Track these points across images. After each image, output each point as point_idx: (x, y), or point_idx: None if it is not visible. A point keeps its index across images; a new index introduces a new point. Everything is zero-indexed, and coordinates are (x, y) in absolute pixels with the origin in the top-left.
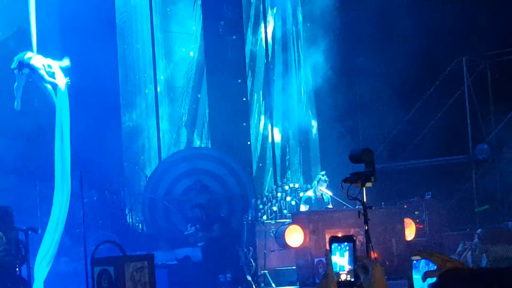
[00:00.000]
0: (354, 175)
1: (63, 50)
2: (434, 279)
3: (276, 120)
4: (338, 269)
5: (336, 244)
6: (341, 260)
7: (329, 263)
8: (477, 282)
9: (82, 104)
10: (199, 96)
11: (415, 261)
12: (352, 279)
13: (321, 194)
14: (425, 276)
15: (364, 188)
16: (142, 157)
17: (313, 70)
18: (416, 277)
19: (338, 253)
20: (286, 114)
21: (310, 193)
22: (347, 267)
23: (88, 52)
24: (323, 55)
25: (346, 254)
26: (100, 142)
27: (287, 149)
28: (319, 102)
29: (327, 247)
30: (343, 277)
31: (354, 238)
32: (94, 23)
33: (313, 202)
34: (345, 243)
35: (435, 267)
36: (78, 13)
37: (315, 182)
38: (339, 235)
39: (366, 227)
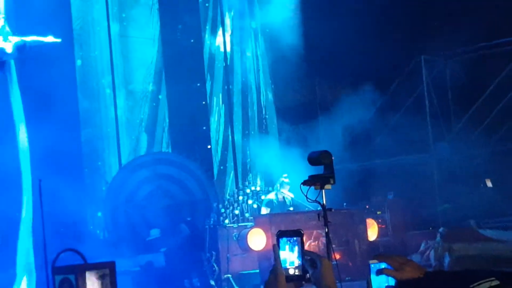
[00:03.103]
0: (313, 178)
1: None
2: (391, 279)
3: (236, 123)
4: (288, 264)
5: (286, 239)
6: (291, 255)
7: (277, 258)
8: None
9: (40, 110)
10: (160, 97)
11: (373, 265)
12: (301, 274)
13: (283, 197)
14: (380, 272)
15: (323, 190)
16: (99, 163)
17: (273, 71)
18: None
19: (287, 248)
20: (246, 116)
21: (272, 195)
22: (297, 262)
23: (44, 57)
24: (282, 56)
25: (296, 248)
26: (59, 148)
27: (248, 152)
28: (279, 104)
29: (275, 242)
30: (291, 271)
31: (302, 232)
32: (50, 28)
33: (274, 205)
34: (294, 238)
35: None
36: (34, 18)
37: (278, 185)
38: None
39: (327, 229)
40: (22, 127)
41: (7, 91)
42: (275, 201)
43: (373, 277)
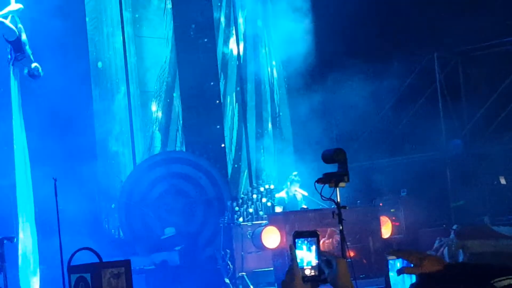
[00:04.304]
0: (327, 176)
1: (34, 55)
2: (411, 276)
3: (250, 121)
4: (305, 264)
5: (303, 239)
6: (308, 255)
7: (293, 258)
8: (453, 279)
9: (54, 109)
10: (174, 94)
11: (391, 261)
12: (317, 274)
13: (294, 195)
14: (400, 271)
15: (337, 188)
16: (113, 162)
17: (286, 69)
18: (392, 274)
19: (305, 248)
20: (260, 114)
21: (282, 194)
22: (314, 262)
23: (59, 57)
24: (295, 54)
25: (313, 248)
26: (73, 147)
27: (262, 150)
28: (292, 102)
29: (292, 242)
30: (307, 272)
31: (318, 233)
32: (64, 29)
33: (286, 202)
34: (310, 238)
35: (412, 265)
36: (48, 19)
37: (288, 182)
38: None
39: (341, 227)
40: (19, 124)
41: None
42: (286, 199)
43: (392, 274)
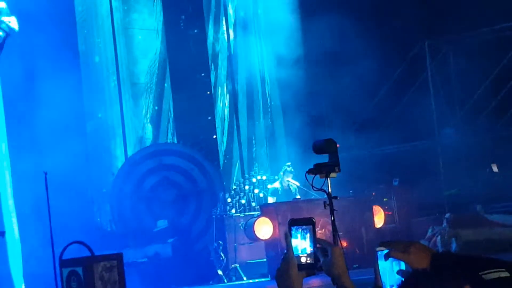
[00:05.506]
0: (318, 166)
1: (22, 47)
2: (400, 264)
3: (242, 112)
4: (300, 252)
5: (297, 227)
6: (303, 243)
7: (289, 246)
8: (441, 270)
9: (44, 102)
10: (165, 85)
11: (380, 253)
12: (313, 262)
13: (288, 185)
14: (387, 255)
15: (329, 179)
16: (104, 154)
17: (276, 59)
18: (381, 262)
19: (299, 236)
20: (251, 105)
21: (276, 184)
22: (309, 250)
23: (48, 51)
24: (285, 43)
25: (308, 236)
26: (64, 140)
27: (254, 141)
28: (284, 92)
29: (287, 230)
30: (303, 260)
31: (314, 220)
32: (53, 22)
33: (280, 193)
34: (305, 226)
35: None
36: (37, 11)
37: (281, 173)
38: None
39: (333, 218)
40: None
41: None
42: (280, 190)
43: (380, 264)
